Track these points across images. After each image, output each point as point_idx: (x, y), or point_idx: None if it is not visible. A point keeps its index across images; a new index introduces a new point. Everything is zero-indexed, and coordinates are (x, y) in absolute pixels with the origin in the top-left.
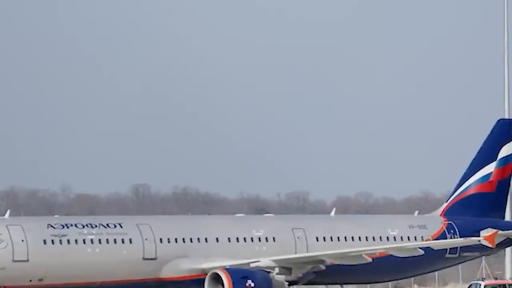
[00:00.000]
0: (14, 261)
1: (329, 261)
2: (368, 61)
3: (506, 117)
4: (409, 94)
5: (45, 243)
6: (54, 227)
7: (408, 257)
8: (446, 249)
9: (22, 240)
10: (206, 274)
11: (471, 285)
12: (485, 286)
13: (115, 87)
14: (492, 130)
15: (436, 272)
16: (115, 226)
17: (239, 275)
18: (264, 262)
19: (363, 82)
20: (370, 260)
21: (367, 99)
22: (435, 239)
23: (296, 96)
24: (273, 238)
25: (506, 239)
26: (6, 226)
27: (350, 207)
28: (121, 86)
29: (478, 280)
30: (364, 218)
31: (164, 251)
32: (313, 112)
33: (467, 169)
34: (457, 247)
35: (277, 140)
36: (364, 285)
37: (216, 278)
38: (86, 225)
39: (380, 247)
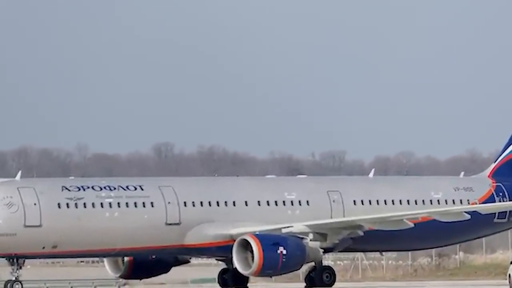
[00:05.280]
0: (26, 226)
1: (367, 226)
2: (411, 14)
3: None
4: (455, 48)
5: (59, 207)
6: (69, 190)
7: (453, 222)
8: (495, 213)
9: (35, 204)
10: (234, 241)
11: None
12: None
13: (135, 39)
14: None
15: (483, 239)
16: (136, 189)
17: (270, 241)
18: (297, 227)
19: (405, 35)
20: (411, 225)
21: (409, 52)
22: (483, 203)
23: (333, 49)
24: (307, 201)
25: None
26: (17, 189)
27: (390, 168)
28: (142, 38)
29: None
30: (405, 180)
31: (189, 216)
32: (351, 65)
33: None
34: (506, 211)
35: (311, 95)
36: (405, 252)
37: (245, 245)
38: (104, 188)
39: (423, 211)
